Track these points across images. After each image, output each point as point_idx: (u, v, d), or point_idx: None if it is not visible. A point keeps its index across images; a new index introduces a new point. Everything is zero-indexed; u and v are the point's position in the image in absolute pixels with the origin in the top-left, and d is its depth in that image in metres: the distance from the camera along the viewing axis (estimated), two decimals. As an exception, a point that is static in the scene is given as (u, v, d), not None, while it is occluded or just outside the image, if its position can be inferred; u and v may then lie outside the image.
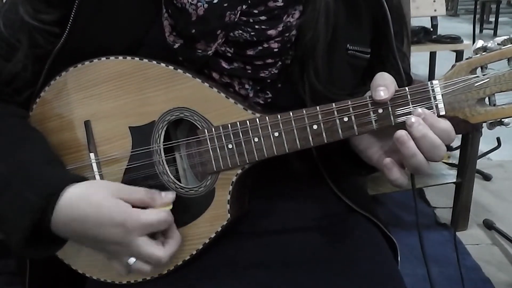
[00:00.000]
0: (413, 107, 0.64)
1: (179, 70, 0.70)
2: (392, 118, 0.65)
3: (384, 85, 0.64)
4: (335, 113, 0.66)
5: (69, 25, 0.72)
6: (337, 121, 0.66)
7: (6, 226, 0.66)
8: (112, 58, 0.72)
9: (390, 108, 0.65)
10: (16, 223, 0.65)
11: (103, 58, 0.72)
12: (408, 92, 0.64)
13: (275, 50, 0.72)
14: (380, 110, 0.65)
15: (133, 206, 0.66)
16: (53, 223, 0.65)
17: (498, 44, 0.63)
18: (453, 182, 2.25)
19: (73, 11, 0.71)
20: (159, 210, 0.68)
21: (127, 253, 0.67)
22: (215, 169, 0.70)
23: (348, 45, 0.76)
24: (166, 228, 0.68)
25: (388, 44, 0.79)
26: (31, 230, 0.64)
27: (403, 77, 0.76)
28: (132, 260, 0.67)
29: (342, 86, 0.76)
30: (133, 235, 0.65)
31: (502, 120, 0.64)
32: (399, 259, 0.89)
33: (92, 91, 0.73)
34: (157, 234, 0.69)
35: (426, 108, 0.64)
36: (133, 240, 0.65)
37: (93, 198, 0.65)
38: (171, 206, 0.69)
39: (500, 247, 2.20)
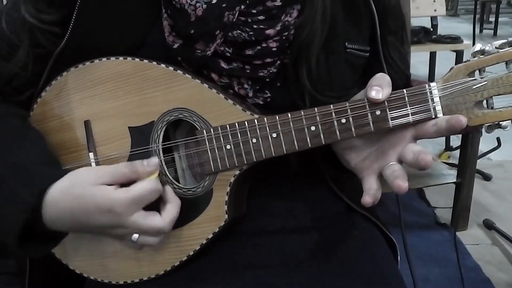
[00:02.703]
0: (410, 109, 0.65)
1: (178, 71, 0.70)
2: (389, 120, 0.65)
3: (379, 85, 0.64)
4: (333, 114, 0.66)
5: (70, 25, 0.72)
6: (335, 122, 0.66)
7: (1, 224, 0.66)
8: (112, 58, 0.72)
9: (387, 110, 0.65)
10: (10, 221, 0.65)
11: (104, 59, 0.72)
12: (405, 94, 0.65)
13: (274, 49, 0.72)
14: (378, 112, 0.65)
15: (121, 185, 0.66)
16: (46, 220, 0.66)
17: (496, 47, 0.63)
18: (453, 182, 2.25)
19: (75, 11, 0.72)
20: (143, 183, 0.66)
21: (128, 232, 0.66)
22: (213, 170, 0.70)
23: (346, 43, 0.77)
24: (157, 196, 0.67)
25: (386, 43, 0.80)
26: (24, 227, 0.65)
27: (401, 76, 0.76)
28: (135, 236, 0.67)
29: (341, 84, 0.76)
30: (125, 216, 0.64)
31: (500, 123, 0.64)
32: (398, 259, 0.89)
33: (93, 91, 0.73)
34: (159, 201, 0.69)
35: (423, 110, 0.65)
36: (127, 220, 0.64)
37: (75, 191, 0.65)
38: (157, 173, 0.68)
39: (500, 247, 2.20)
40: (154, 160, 0.68)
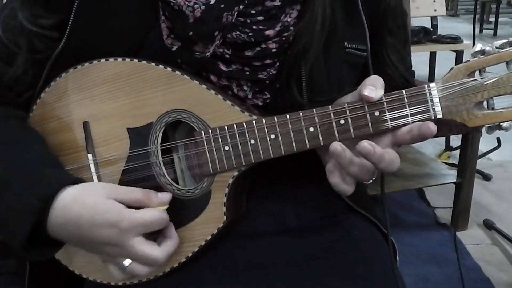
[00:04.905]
0: (410, 110, 0.64)
1: (177, 72, 0.70)
2: (388, 121, 0.65)
3: (373, 85, 0.64)
4: (332, 115, 0.66)
5: (68, 29, 0.72)
6: (334, 123, 0.66)
7: (6, 229, 0.66)
8: (111, 59, 0.72)
9: (386, 111, 0.65)
10: (16, 225, 0.65)
11: (103, 60, 0.72)
12: (405, 95, 0.64)
13: (273, 50, 0.72)
14: (377, 113, 0.65)
15: (129, 206, 0.66)
16: (49, 225, 0.66)
17: (496, 47, 0.63)
18: (453, 182, 2.25)
19: (72, 15, 0.72)
20: (154, 209, 0.67)
21: (122, 254, 0.66)
22: (211, 171, 0.70)
23: (345, 43, 0.76)
24: (161, 227, 0.68)
25: (385, 44, 0.79)
26: (30, 232, 0.64)
27: (399, 77, 0.76)
28: (127, 261, 0.67)
29: (339, 85, 0.76)
30: (127, 235, 0.64)
31: (501, 124, 0.64)
32: (397, 258, 0.89)
33: (91, 92, 0.73)
34: (157, 235, 0.69)
35: (423, 111, 0.64)
36: (127, 240, 0.65)
37: (87, 200, 0.65)
38: (166, 206, 0.69)
39: (500, 247, 2.20)
40: (168, 195, 0.70)
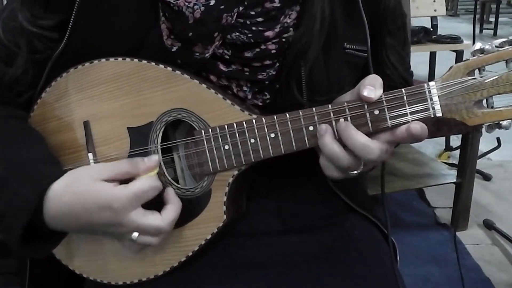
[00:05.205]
0: (409, 108, 0.64)
1: (177, 72, 0.70)
2: (388, 120, 0.65)
3: (372, 85, 0.64)
4: (331, 114, 0.66)
5: (68, 30, 0.72)
6: (333, 122, 0.66)
7: (4, 225, 0.66)
8: (111, 59, 0.72)
9: (386, 109, 0.65)
10: (13, 220, 0.65)
11: (103, 60, 0.72)
12: (404, 94, 0.64)
13: (273, 51, 0.72)
14: (376, 112, 0.65)
15: (121, 181, 0.66)
16: (47, 219, 0.66)
17: (496, 46, 0.63)
18: (453, 182, 2.25)
19: (72, 16, 0.72)
20: (143, 179, 0.66)
21: (128, 230, 0.66)
22: (211, 170, 0.70)
23: (345, 43, 0.76)
24: (156, 194, 0.67)
25: (385, 45, 0.79)
26: (26, 227, 0.65)
27: (398, 77, 0.76)
28: (135, 234, 0.66)
29: (338, 86, 0.76)
30: (123, 213, 0.64)
31: (500, 122, 0.64)
32: (398, 258, 0.89)
33: (92, 92, 0.73)
34: (160, 203, 0.69)
35: (422, 109, 0.64)
36: (126, 217, 0.64)
37: (76, 188, 0.65)
38: (157, 170, 0.68)
39: (500, 247, 2.20)
40: (155, 157, 0.69)
